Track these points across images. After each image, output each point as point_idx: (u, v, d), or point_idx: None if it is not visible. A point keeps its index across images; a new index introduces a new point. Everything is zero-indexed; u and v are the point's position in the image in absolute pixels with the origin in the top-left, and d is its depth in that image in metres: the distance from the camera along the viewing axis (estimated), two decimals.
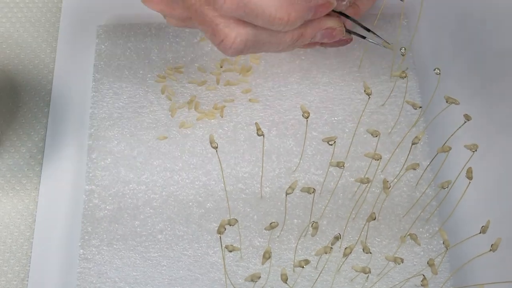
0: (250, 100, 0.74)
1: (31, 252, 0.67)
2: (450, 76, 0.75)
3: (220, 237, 0.55)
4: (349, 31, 0.67)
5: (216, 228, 0.57)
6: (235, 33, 0.59)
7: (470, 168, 0.58)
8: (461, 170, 0.60)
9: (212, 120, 0.73)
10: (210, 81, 0.75)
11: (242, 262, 0.66)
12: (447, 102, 0.61)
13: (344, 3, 0.66)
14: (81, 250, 0.66)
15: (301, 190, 0.58)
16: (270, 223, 0.58)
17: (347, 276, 0.65)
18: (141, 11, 0.69)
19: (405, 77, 0.66)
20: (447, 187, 0.60)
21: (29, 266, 0.67)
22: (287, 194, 0.57)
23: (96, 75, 0.75)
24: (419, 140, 0.62)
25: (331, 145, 0.60)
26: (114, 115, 0.73)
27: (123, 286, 0.65)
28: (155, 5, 0.64)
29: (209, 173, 0.70)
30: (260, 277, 0.54)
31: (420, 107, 0.66)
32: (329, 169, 0.68)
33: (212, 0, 0.58)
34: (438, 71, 0.63)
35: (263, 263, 0.54)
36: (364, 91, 0.62)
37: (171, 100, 0.74)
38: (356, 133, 0.69)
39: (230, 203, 0.68)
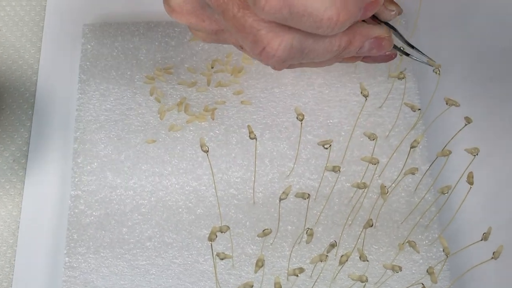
0: (242, 102, 0.74)
1: (14, 260, 0.67)
2: (450, 77, 0.75)
3: (211, 245, 0.54)
4: (394, 46, 0.64)
5: (207, 235, 0.57)
6: (280, 39, 0.55)
7: (471, 172, 0.58)
8: (462, 175, 0.60)
9: (203, 123, 0.73)
10: (200, 82, 0.75)
11: (234, 271, 0.66)
12: (447, 104, 0.61)
13: (393, 13, 0.61)
14: (67, 258, 0.66)
15: (295, 196, 0.58)
16: (263, 230, 0.58)
17: (343, 285, 0.65)
18: (129, 9, 0.69)
19: (403, 78, 0.66)
20: (447, 193, 0.60)
21: (13, 274, 0.66)
22: (280, 199, 0.57)
23: (82, 76, 0.75)
24: (418, 143, 0.62)
25: (327, 148, 0.60)
26: (100, 118, 0.73)
27: None
28: (184, 17, 0.59)
29: (199, 178, 0.70)
30: (252, 286, 0.54)
31: (419, 109, 0.66)
32: (325, 174, 0.68)
33: (252, 2, 0.53)
34: (438, 72, 0.63)
35: (256, 272, 0.54)
36: (361, 92, 0.62)
37: (160, 102, 0.74)
38: (353, 136, 0.69)
39: (221, 209, 0.68)
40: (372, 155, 0.61)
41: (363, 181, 0.62)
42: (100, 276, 0.65)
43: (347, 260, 0.56)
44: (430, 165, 0.67)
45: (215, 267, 0.59)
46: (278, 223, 0.66)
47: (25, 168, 0.71)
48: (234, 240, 0.66)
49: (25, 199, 0.70)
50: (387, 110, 0.73)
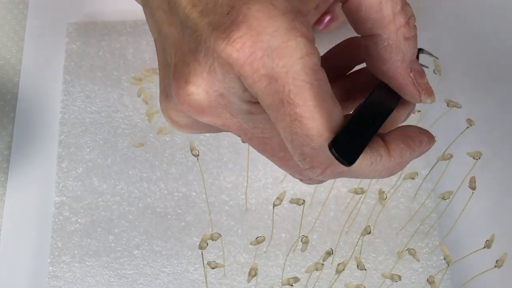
0: None
1: None
2: (451, 78, 0.75)
3: (202, 253, 0.54)
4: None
5: (198, 243, 0.57)
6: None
7: (473, 177, 0.58)
8: (463, 180, 0.60)
9: None
10: None
11: (226, 280, 0.65)
12: (448, 105, 0.61)
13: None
14: (51, 267, 0.66)
15: (289, 202, 0.58)
16: (256, 238, 0.58)
17: None
18: (115, 7, 0.68)
19: None
20: (448, 198, 0.61)
21: None
22: (274, 206, 0.57)
23: (67, 77, 0.75)
24: None
25: None
26: (86, 120, 0.73)
27: None
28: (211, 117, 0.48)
29: (189, 183, 0.70)
30: None
31: (419, 111, 0.66)
32: None
33: (306, 175, 0.46)
34: (438, 73, 0.63)
35: (248, 281, 0.54)
36: None
37: (148, 104, 0.73)
38: None
39: (212, 216, 0.68)
40: None
41: (360, 186, 0.62)
42: (86, 286, 0.65)
43: (343, 269, 0.56)
44: (431, 170, 0.67)
45: (206, 276, 0.59)
46: (272, 230, 0.66)
47: (7, 173, 0.71)
48: (225, 248, 0.66)
49: (7, 206, 0.69)
50: None
